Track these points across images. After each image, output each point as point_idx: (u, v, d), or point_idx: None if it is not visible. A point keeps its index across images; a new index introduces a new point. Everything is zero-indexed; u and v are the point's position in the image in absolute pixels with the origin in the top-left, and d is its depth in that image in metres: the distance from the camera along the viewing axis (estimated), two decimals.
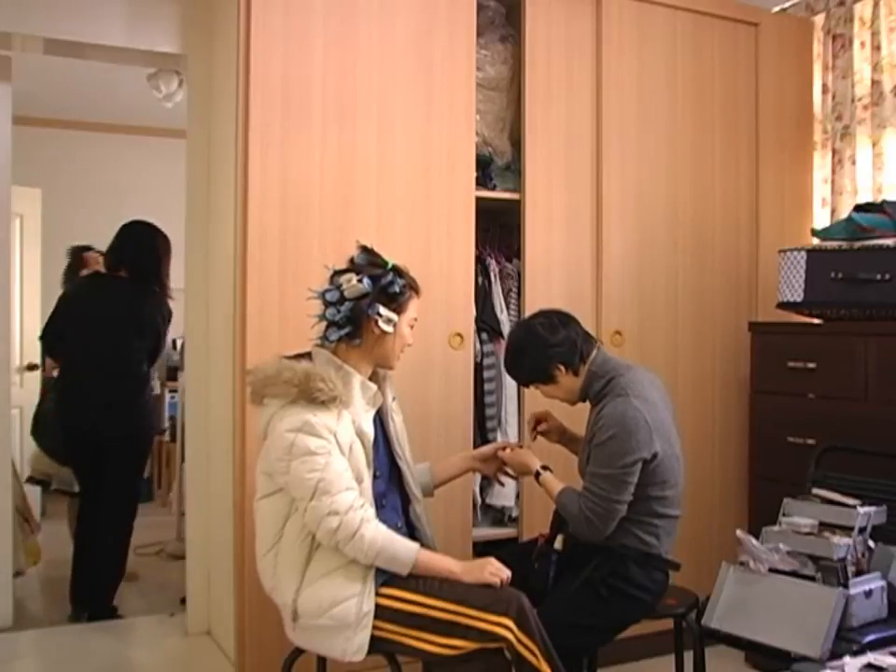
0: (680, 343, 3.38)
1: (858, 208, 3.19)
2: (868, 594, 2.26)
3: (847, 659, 1.81)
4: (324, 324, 2.25)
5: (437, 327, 2.94)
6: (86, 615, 3.63)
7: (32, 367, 5.08)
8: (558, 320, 2.47)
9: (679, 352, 3.38)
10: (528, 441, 2.70)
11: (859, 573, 2.30)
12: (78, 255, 4.51)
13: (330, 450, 2.10)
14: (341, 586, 2.11)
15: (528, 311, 3.04)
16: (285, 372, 2.13)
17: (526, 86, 3.12)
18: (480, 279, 3.14)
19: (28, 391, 4.97)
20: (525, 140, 3.12)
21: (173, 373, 6.25)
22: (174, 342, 6.64)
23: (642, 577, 2.36)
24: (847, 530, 2.34)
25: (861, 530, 2.36)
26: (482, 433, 3.10)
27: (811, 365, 3.07)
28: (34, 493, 4.59)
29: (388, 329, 2.23)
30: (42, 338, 3.97)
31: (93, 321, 3.70)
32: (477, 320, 3.08)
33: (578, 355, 2.44)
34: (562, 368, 2.44)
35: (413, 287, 2.31)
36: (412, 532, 2.35)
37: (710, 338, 3.45)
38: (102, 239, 6.39)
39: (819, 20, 3.71)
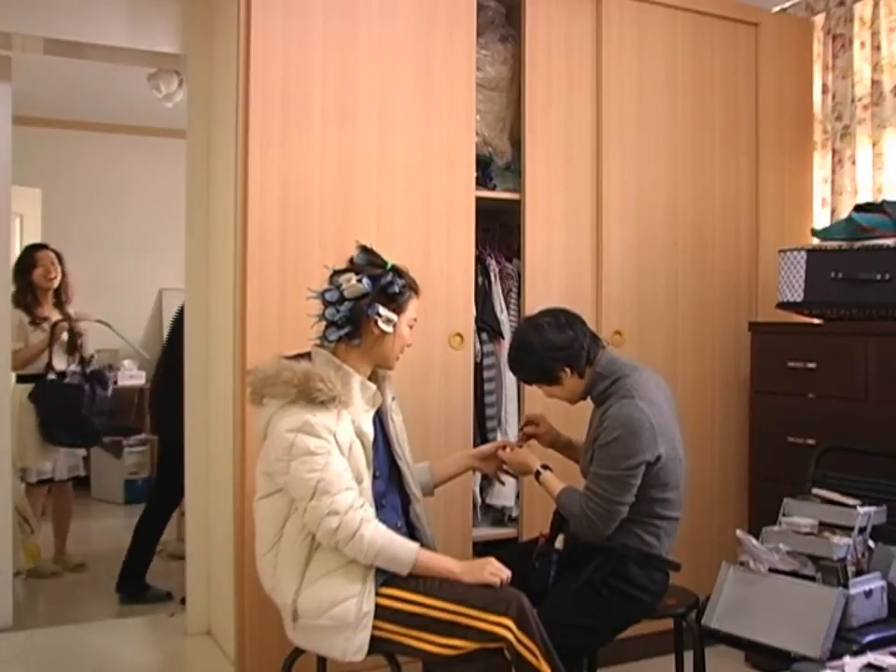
0: (680, 343, 3.38)
1: (858, 208, 3.19)
2: (868, 594, 2.26)
3: (847, 659, 1.81)
4: (323, 324, 2.25)
5: (437, 327, 2.94)
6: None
7: None
8: (565, 320, 2.45)
9: (678, 352, 3.38)
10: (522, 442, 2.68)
11: (859, 573, 2.30)
12: (31, 253, 4.42)
13: (330, 450, 2.10)
14: (341, 586, 2.11)
15: (528, 311, 3.03)
16: (284, 372, 2.13)
17: (526, 86, 3.12)
18: (480, 279, 3.14)
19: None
20: (525, 140, 3.12)
21: None
22: None
23: (642, 577, 2.36)
24: (847, 530, 2.34)
25: (861, 530, 2.36)
26: (481, 433, 3.10)
27: (811, 365, 3.07)
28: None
29: (388, 329, 2.23)
30: None
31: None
32: (477, 320, 3.08)
33: (584, 357, 2.43)
34: (568, 370, 2.43)
35: (412, 288, 2.30)
36: (412, 532, 2.35)
37: (710, 338, 3.45)
38: (102, 239, 6.44)
39: (819, 20, 3.71)
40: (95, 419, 4.28)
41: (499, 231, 3.32)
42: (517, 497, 3.13)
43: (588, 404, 2.51)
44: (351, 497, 2.10)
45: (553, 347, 2.41)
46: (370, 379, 2.28)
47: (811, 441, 3.01)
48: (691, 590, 2.59)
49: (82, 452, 4.54)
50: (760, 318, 3.47)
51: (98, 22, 3.22)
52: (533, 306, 3.02)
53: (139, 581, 3.94)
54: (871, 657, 1.79)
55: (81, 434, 4.24)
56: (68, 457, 4.38)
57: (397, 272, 2.27)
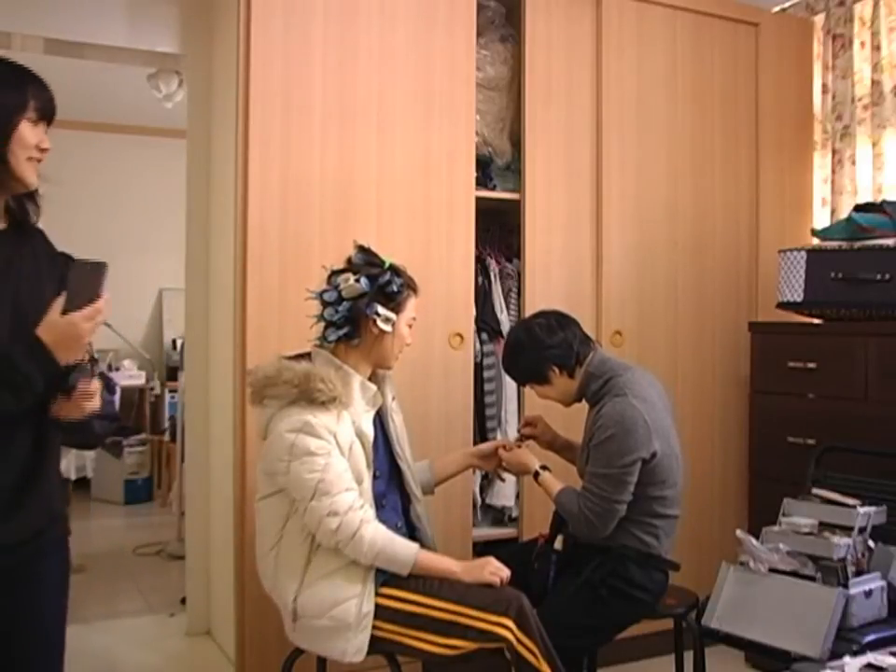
0: (680, 343, 3.38)
1: (858, 208, 3.19)
2: (868, 594, 2.26)
3: (847, 659, 1.81)
4: (323, 324, 2.25)
5: (437, 327, 2.94)
6: None
7: None
8: (556, 322, 2.48)
9: (678, 352, 3.38)
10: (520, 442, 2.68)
11: (859, 573, 2.30)
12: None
13: (330, 451, 2.10)
14: (341, 587, 2.11)
15: (528, 311, 3.04)
16: (285, 373, 2.13)
17: (526, 86, 3.12)
18: (480, 279, 3.14)
19: None
20: (524, 140, 3.12)
21: (173, 373, 6.26)
22: (173, 341, 6.66)
23: (642, 577, 2.36)
24: (847, 530, 2.34)
25: (861, 530, 2.36)
26: (481, 433, 3.10)
27: (811, 365, 3.07)
28: None
29: (387, 328, 2.23)
30: None
31: None
32: (477, 320, 3.08)
33: (573, 357, 2.45)
34: (556, 369, 2.45)
35: (411, 287, 2.30)
36: (412, 532, 2.35)
37: (710, 338, 3.45)
38: (102, 239, 6.43)
39: (819, 20, 3.71)
40: (96, 422, 4.19)
41: (499, 231, 3.32)
42: (517, 496, 3.13)
43: (586, 406, 2.51)
44: (351, 498, 2.10)
45: (541, 347, 2.43)
46: (370, 379, 2.28)
47: (811, 441, 3.01)
48: (691, 590, 2.59)
49: (90, 453, 4.50)
50: (760, 318, 3.47)
51: (98, 22, 3.22)
52: (533, 306, 3.02)
53: None
54: (871, 657, 1.78)
55: (77, 433, 4.13)
56: (76, 457, 4.36)
57: (395, 271, 2.27)
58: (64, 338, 1.52)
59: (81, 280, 1.51)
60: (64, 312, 1.50)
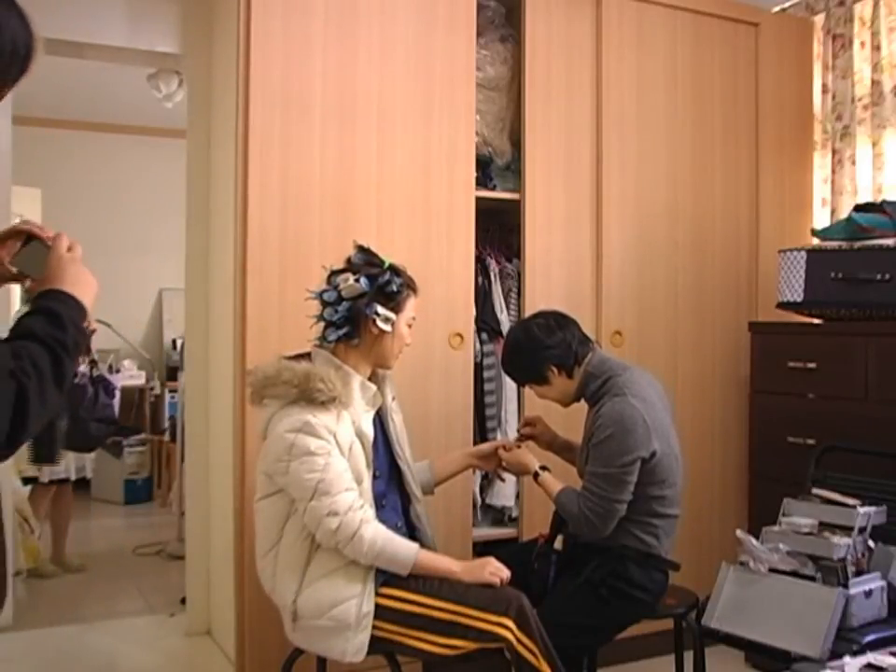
0: (680, 342, 3.38)
1: (858, 208, 3.19)
2: (868, 594, 2.26)
3: (847, 659, 1.81)
4: (322, 324, 2.25)
5: (437, 327, 2.94)
6: None
7: None
8: (555, 322, 2.48)
9: (678, 352, 3.38)
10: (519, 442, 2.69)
11: (859, 573, 2.30)
12: None
13: (330, 450, 2.10)
14: (341, 587, 2.11)
15: (528, 311, 3.04)
16: (284, 373, 2.13)
17: (526, 86, 3.12)
18: (480, 279, 3.14)
19: None
20: (524, 140, 3.13)
21: (173, 373, 6.27)
22: (173, 341, 6.66)
23: (642, 577, 2.36)
24: (847, 530, 2.34)
25: (861, 530, 2.36)
26: (481, 433, 3.10)
27: (811, 365, 3.07)
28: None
29: (386, 328, 2.23)
30: None
31: None
32: (477, 320, 3.08)
33: (572, 357, 2.45)
34: (555, 369, 2.45)
35: (410, 286, 2.30)
36: (412, 532, 2.35)
37: (710, 338, 3.45)
38: (102, 239, 6.44)
39: (819, 20, 3.71)
40: (93, 424, 4.18)
41: (499, 231, 3.32)
42: (517, 496, 3.13)
43: (586, 406, 2.51)
44: (351, 498, 2.10)
45: (539, 347, 2.43)
46: (370, 379, 2.28)
47: (811, 441, 3.01)
48: (691, 590, 2.59)
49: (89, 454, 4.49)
50: (760, 318, 3.47)
51: (98, 22, 3.22)
52: (533, 306, 3.02)
53: None
54: (871, 657, 1.78)
55: (75, 436, 4.13)
56: (76, 458, 4.36)
57: (394, 270, 2.27)
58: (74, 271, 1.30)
59: (30, 254, 1.39)
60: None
